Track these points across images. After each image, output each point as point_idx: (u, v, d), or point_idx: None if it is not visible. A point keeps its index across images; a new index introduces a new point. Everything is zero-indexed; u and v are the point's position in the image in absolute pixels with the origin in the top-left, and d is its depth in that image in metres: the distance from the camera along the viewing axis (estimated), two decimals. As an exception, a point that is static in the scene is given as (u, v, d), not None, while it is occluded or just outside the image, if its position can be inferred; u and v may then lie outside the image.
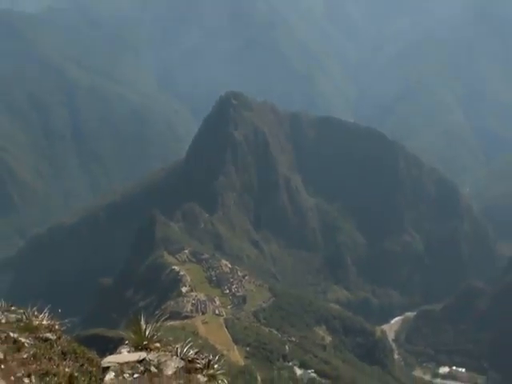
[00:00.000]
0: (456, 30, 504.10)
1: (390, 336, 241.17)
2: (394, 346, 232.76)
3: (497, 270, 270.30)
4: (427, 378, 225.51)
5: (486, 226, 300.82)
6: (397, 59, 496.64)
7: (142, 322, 11.36)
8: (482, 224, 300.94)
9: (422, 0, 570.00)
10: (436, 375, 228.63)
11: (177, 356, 10.74)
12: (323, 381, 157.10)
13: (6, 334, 11.35)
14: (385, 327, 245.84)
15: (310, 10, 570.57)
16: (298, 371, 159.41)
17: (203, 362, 10.83)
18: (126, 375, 10.15)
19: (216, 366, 10.85)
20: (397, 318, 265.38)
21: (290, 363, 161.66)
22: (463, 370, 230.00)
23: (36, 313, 12.62)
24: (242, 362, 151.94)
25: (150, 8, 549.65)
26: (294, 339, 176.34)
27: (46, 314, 12.64)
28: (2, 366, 10.65)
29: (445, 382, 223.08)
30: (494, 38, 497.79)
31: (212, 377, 10.54)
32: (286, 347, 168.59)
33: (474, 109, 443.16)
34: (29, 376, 10.58)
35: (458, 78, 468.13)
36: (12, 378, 10.49)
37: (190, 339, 11.67)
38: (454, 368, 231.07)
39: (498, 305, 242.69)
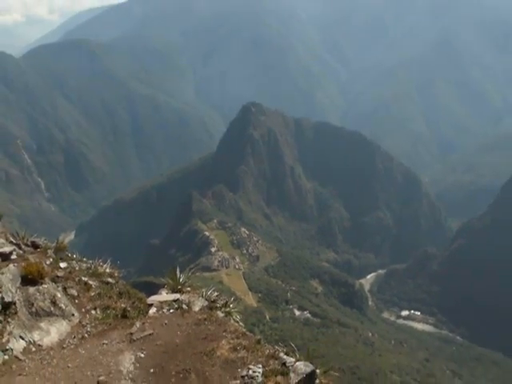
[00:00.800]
0: (421, 58, 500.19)
1: (366, 287, 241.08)
2: (368, 295, 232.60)
3: (446, 239, 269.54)
4: (392, 318, 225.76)
5: (440, 206, 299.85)
6: (376, 80, 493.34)
7: (178, 272, 11.56)
8: (436, 205, 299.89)
9: (395, 35, 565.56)
10: (399, 317, 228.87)
11: (202, 297, 10.94)
12: (315, 319, 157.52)
13: (79, 278, 11.64)
14: (362, 281, 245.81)
15: (311, 41, 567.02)
16: (297, 312, 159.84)
17: (222, 302, 11.03)
18: (165, 310, 10.41)
19: (232, 306, 11.05)
20: (371, 274, 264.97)
21: (291, 306, 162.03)
22: (419, 313, 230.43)
23: (101, 263, 12.89)
24: (255, 305, 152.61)
25: (192, 38, 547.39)
26: (294, 288, 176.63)
27: (108, 265, 12.91)
28: (76, 301, 10.96)
29: (405, 322, 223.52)
30: (449, 66, 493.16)
31: (228, 313, 10.74)
32: (288, 294, 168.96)
33: (433, 119, 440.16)
34: (95, 309, 10.88)
35: (421, 95, 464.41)
36: (83, 309, 10.80)
37: (212, 285, 11.88)
38: (412, 311, 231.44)
39: (446, 266, 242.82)
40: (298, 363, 8.93)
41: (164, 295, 11.00)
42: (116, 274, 12.69)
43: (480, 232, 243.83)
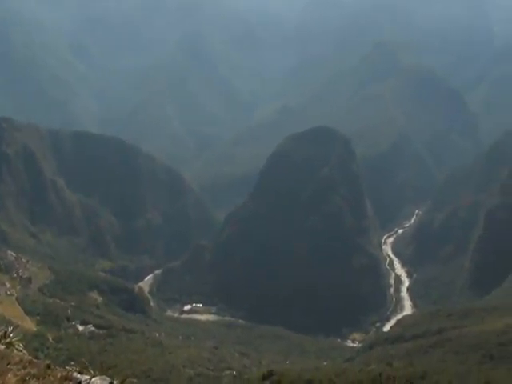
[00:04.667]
0: (172, 59, 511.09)
1: (146, 290, 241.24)
2: (149, 297, 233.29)
3: (215, 231, 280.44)
4: (176, 315, 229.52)
5: (205, 200, 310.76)
6: (131, 83, 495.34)
7: None
8: (201, 199, 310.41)
9: (146, 37, 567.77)
10: (182, 312, 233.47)
11: (-22, 333, 10.13)
12: (101, 331, 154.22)
13: None
14: (141, 284, 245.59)
15: (60, 49, 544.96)
16: (80, 327, 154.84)
17: (0, 333, 10.32)
18: None
19: (12, 335, 10.39)
20: (149, 276, 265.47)
21: (73, 322, 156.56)
22: (200, 305, 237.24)
23: None
24: (34, 328, 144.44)
25: None
26: (73, 304, 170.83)
27: None
28: None
29: (189, 316, 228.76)
30: (198, 64, 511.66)
31: (9, 344, 10.08)
32: (69, 311, 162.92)
33: (188, 118, 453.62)
34: None
35: (175, 95, 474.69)
36: None
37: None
38: (194, 305, 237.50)
39: (218, 256, 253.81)
40: (93, 379, 8.73)
41: None
42: None
43: (244, 219, 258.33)
